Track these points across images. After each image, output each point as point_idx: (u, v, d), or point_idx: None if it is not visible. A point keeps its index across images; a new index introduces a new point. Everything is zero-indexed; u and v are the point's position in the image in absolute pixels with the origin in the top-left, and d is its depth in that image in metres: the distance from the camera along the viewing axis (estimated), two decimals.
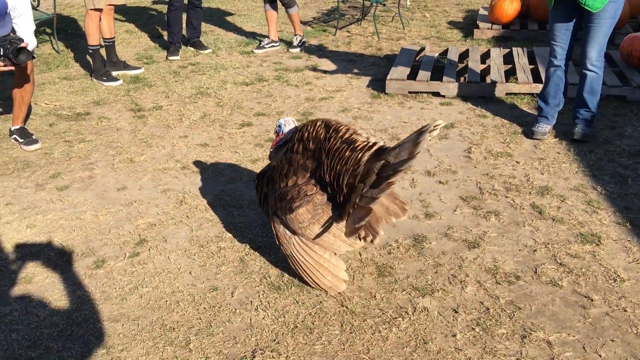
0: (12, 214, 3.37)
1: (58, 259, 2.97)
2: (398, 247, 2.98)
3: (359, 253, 2.94)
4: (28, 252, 3.02)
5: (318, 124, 2.55)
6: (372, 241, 2.44)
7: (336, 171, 2.41)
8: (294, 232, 2.60)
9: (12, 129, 4.28)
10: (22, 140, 4.19)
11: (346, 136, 2.44)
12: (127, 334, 2.45)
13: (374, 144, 2.38)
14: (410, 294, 2.65)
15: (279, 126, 2.83)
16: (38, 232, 3.19)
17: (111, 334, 2.45)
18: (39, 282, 2.79)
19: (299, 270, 2.64)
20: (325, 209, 2.51)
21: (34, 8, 6.38)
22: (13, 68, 3.75)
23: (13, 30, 3.81)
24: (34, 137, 4.24)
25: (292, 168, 2.57)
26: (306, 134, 2.55)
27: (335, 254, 2.62)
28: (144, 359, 2.32)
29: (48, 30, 6.88)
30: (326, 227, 2.51)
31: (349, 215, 2.42)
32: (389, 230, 3.12)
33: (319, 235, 2.53)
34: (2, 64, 3.65)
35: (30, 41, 3.84)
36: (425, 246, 2.98)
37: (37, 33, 6.70)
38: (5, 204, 3.47)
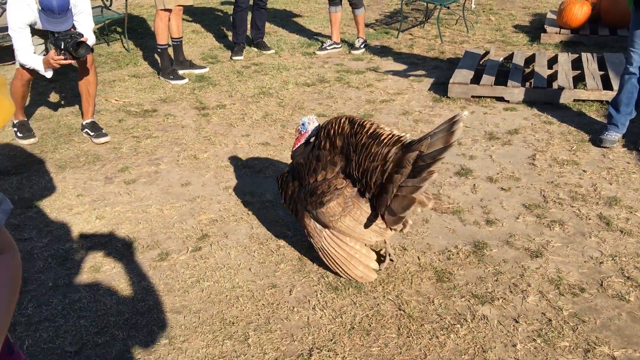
0: (82, 205, 3.52)
1: (125, 250, 3.08)
2: (457, 253, 2.94)
3: (418, 257, 2.92)
4: (97, 242, 3.15)
5: (343, 120, 2.63)
6: (401, 230, 2.54)
7: (365, 166, 2.49)
8: (324, 226, 2.67)
9: (84, 123, 4.47)
10: (92, 134, 4.37)
11: (371, 131, 2.51)
12: (189, 326, 2.52)
13: (399, 137, 2.45)
14: (469, 301, 2.61)
15: (302, 124, 2.90)
16: (106, 223, 3.32)
17: (173, 325, 2.53)
18: (107, 272, 2.90)
19: (331, 263, 2.71)
20: (356, 202, 2.59)
21: (107, 7, 6.65)
22: (73, 61, 3.97)
23: (73, 27, 4.02)
24: (103, 131, 4.41)
25: (321, 164, 2.65)
26: (332, 131, 2.63)
27: (365, 244, 2.69)
28: (204, 351, 2.38)
29: (119, 30, 7.13)
30: (357, 219, 2.59)
31: (386, 207, 2.46)
32: (448, 236, 3.09)
33: (350, 227, 2.61)
34: (62, 57, 3.86)
35: (89, 37, 4.03)
36: (485, 253, 2.94)
37: (109, 32, 6.97)
38: (77, 195, 3.63)
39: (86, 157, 4.15)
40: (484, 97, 4.89)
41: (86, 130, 4.42)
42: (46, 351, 2.41)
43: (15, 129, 4.40)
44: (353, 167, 2.55)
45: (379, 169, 2.43)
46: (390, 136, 2.46)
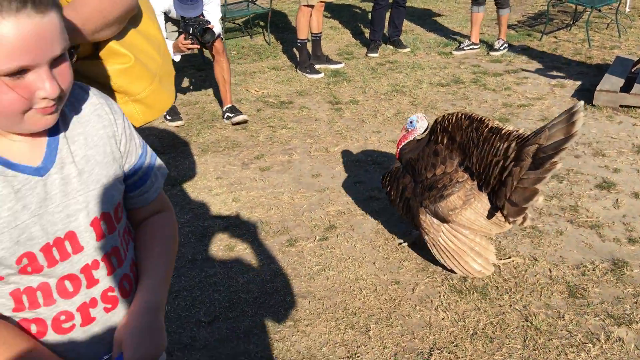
0: (221, 187, 3.74)
1: (257, 232, 3.24)
2: (594, 270, 2.79)
3: (549, 270, 2.81)
4: (232, 222, 3.34)
5: (459, 115, 2.66)
6: (522, 223, 2.53)
7: (487, 160, 2.50)
8: (443, 220, 2.69)
9: (224, 109, 4.75)
10: (232, 115, 4.66)
11: (491, 126, 2.53)
12: (313, 311, 2.61)
13: (518, 132, 2.47)
14: (603, 320, 2.47)
15: (410, 122, 2.97)
16: (242, 206, 3.52)
17: (298, 309, 2.63)
18: (239, 251, 3.08)
19: (447, 258, 2.71)
20: (476, 194, 2.61)
21: (252, 2, 6.98)
22: (198, 46, 4.32)
23: (202, 15, 4.36)
24: (242, 113, 4.68)
25: (439, 158, 2.69)
26: (450, 126, 2.66)
27: (485, 237, 2.70)
28: (326, 337, 2.46)
29: (262, 24, 7.46)
30: (478, 212, 2.61)
31: (507, 199, 2.46)
32: (585, 250, 2.93)
33: (470, 220, 2.62)
34: (189, 42, 4.18)
35: (215, 25, 4.36)
36: (625, 273, 2.76)
37: (253, 25, 7.31)
38: (216, 178, 3.87)
39: (226, 142, 4.40)
40: (634, 107, 4.56)
41: (227, 114, 4.71)
42: (183, 319, 2.61)
43: (165, 112, 4.77)
44: (473, 161, 2.57)
45: (501, 163, 2.46)
46: (509, 131, 2.49)
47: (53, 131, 1.01)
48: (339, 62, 6.00)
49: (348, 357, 2.35)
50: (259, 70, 5.98)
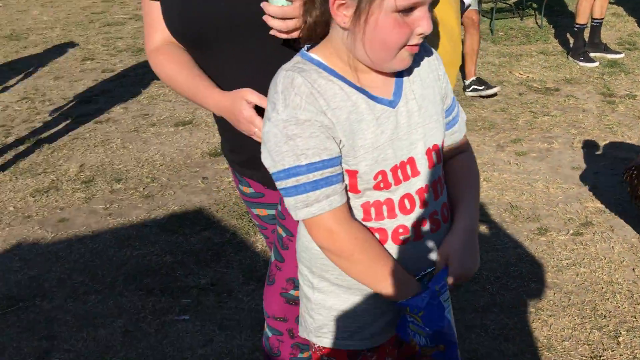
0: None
1: (505, 215, 3.19)
2: None
3: None
4: (481, 201, 3.33)
5: None
6: None
7: None
8: None
9: (469, 81, 4.72)
10: (481, 88, 4.62)
11: None
12: (557, 304, 2.51)
13: None
14: None
15: None
16: (492, 186, 3.48)
17: (542, 298, 2.55)
18: (485, 230, 3.07)
19: None
20: None
21: None
22: None
23: None
24: (489, 84, 4.62)
25: None
26: None
27: None
28: (569, 332, 2.35)
29: (534, 5, 7.12)
30: None
31: None
32: None
33: None
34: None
35: None
36: None
37: (525, 7, 7.03)
38: None
39: (483, 122, 4.36)
40: None
41: (473, 86, 4.66)
42: None
43: None
44: None
45: None
46: None
47: (398, 72, 1.16)
48: (619, 52, 5.48)
49: (592, 357, 2.23)
50: (526, 54, 5.74)
